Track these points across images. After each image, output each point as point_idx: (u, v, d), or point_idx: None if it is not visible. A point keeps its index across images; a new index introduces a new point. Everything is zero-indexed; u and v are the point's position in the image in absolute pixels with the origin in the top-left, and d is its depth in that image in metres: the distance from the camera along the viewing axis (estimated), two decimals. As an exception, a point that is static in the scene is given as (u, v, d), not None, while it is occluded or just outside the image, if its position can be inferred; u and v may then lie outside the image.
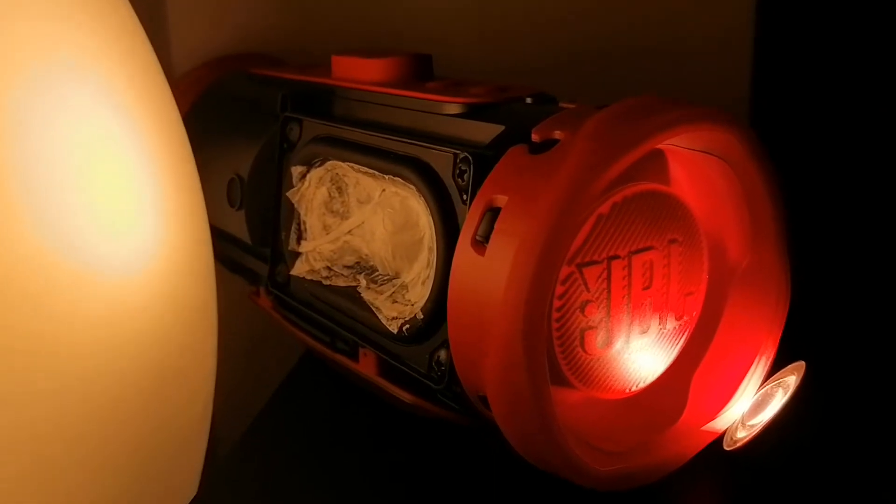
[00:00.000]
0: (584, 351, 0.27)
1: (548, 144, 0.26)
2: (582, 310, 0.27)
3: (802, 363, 0.29)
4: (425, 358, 0.30)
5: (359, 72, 0.35)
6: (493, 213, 0.26)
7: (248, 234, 0.38)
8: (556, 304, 0.27)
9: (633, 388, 0.29)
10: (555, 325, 0.27)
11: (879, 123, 0.40)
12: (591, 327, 0.27)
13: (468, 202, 0.28)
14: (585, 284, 0.27)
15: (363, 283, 0.33)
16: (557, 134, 0.26)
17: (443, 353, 0.29)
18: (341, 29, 0.46)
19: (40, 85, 0.27)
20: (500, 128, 0.29)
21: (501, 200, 0.26)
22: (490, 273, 0.26)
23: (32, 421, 0.27)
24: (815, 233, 0.39)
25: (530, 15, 0.46)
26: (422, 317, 0.29)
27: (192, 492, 0.32)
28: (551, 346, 0.27)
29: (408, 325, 0.30)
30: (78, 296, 0.28)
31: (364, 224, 0.33)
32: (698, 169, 0.29)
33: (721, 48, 0.43)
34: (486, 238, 0.26)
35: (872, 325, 0.40)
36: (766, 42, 0.41)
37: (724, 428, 0.30)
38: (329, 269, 0.34)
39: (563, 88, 0.32)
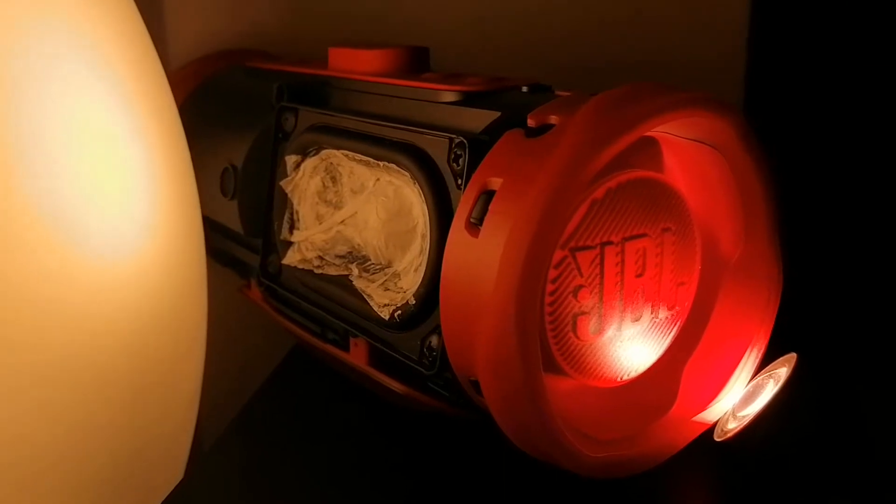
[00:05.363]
0: (577, 337, 0.27)
1: (543, 129, 0.27)
2: (575, 295, 0.27)
3: (794, 355, 0.29)
4: (416, 344, 0.30)
5: (355, 63, 0.36)
6: (487, 195, 0.26)
7: (241, 225, 0.38)
8: (549, 287, 0.27)
9: (625, 377, 0.29)
10: (547, 308, 0.27)
11: (872, 116, 0.40)
12: (583, 313, 0.27)
13: (462, 187, 0.28)
14: (579, 269, 0.27)
15: (355, 271, 0.32)
16: (553, 118, 0.27)
17: (434, 339, 0.29)
18: (337, 28, 0.46)
19: (38, 56, 0.27)
20: (496, 114, 0.29)
21: (496, 183, 0.26)
22: (483, 254, 0.26)
23: (19, 402, 0.27)
24: (806, 224, 0.39)
25: (529, 15, 0.46)
26: (414, 302, 0.29)
27: (178, 477, 0.32)
28: (543, 330, 0.27)
29: (399, 312, 0.30)
30: (67, 273, 0.27)
31: (357, 214, 0.33)
32: (693, 159, 0.29)
33: (715, 41, 0.44)
34: (480, 220, 0.26)
35: (864, 316, 0.40)
36: (761, 35, 0.42)
37: (715, 419, 0.30)
38: (321, 258, 0.34)
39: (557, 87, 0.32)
